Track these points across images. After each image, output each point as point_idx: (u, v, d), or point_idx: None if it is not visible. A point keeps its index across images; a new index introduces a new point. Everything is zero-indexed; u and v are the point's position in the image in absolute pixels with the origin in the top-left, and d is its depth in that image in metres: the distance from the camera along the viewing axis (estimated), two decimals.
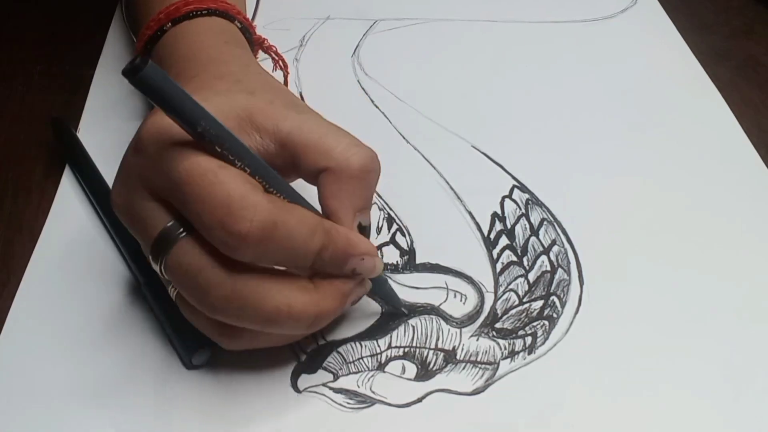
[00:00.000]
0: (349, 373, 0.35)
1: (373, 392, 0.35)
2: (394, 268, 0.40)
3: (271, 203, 0.30)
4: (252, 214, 0.29)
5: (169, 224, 0.31)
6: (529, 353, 0.36)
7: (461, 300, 0.38)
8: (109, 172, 0.44)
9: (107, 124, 0.47)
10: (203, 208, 0.29)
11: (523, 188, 0.44)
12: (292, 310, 0.31)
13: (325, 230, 0.31)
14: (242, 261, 0.30)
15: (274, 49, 0.46)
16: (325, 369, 0.35)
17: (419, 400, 0.35)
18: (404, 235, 0.41)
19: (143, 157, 0.32)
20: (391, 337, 0.37)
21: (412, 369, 0.36)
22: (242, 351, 0.35)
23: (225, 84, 0.34)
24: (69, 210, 0.42)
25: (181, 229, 0.31)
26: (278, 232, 0.30)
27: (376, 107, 0.49)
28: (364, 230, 0.34)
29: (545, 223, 0.42)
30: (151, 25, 0.41)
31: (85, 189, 0.43)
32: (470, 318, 0.38)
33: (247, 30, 0.42)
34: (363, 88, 0.50)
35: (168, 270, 0.31)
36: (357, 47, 0.54)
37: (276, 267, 0.32)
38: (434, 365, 0.36)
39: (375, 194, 0.42)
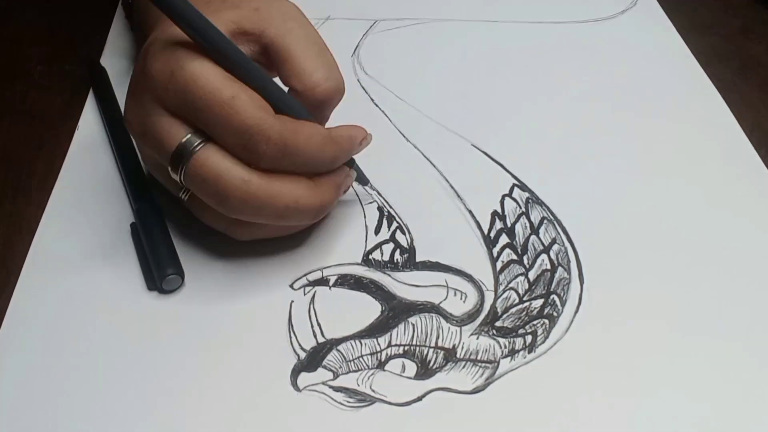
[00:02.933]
0: (349, 372, 0.35)
1: (373, 391, 0.35)
2: (395, 266, 0.40)
3: (282, 125, 0.34)
4: (267, 137, 0.34)
5: (186, 137, 0.35)
6: (530, 352, 0.36)
7: (461, 298, 0.38)
8: (109, 173, 0.44)
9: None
10: (224, 132, 0.34)
11: (523, 187, 0.44)
12: (299, 205, 0.36)
13: (333, 140, 0.37)
14: (267, 169, 0.35)
15: None
16: (325, 367, 0.35)
17: (419, 398, 0.35)
18: (404, 233, 0.41)
19: (154, 78, 0.35)
20: (391, 335, 0.37)
21: (412, 367, 0.36)
22: (241, 349, 0.36)
23: (214, 5, 0.36)
24: (66, 208, 0.42)
25: (199, 141, 0.35)
26: (289, 149, 0.34)
27: (377, 106, 0.49)
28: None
29: (545, 221, 0.42)
30: None
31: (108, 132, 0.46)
32: (470, 316, 0.38)
33: None
34: (363, 88, 0.50)
35: (188, 178, 0.35)
36: (357, 47, 0.54)
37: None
38: (434, 364, 0.36)
39: (375, 192, 0.43)
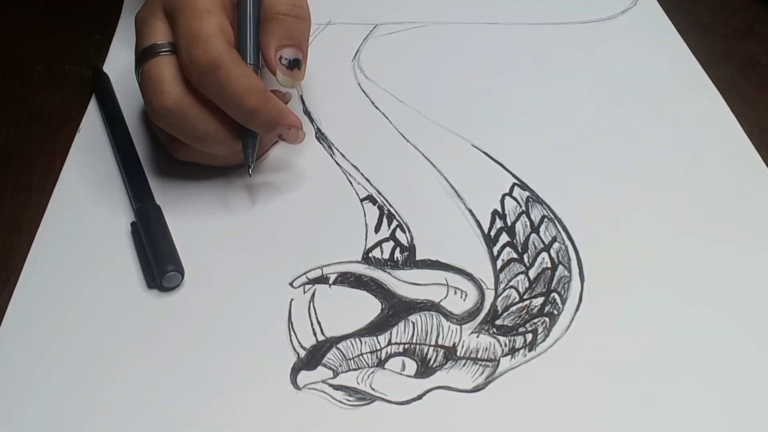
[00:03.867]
0: (349, 370, 0.35)
1: (373, 389, 0.35)
2: (395, 265, 0.40)
3: (228, 52, 0.38)
4: (206, 47, 0.38)
5: (159, 41, 0.39)
6: (530, 350, 0.36)
7: (461, 297, 0.38)
8: (110, 174, 0.44)
9: None
10: (181, 34, 0.38)
11: (524, 186, 0.44)
12: (218, 135, 0.39)
13: (264, 96, 0.39)
14: (194, 84, 0.38)
15: None
16: (325, 366, 0.35)
17: (419, 397, 0.34)
18: (404, 232, 0.41)
19: None
20: (391, 333, 0.37)
21: (412, 366, 0.36)
22: (241, 348, 0.36)
23: None
24: (66, 207, 0.42)
25: (167, 49, 0.39)
26: (221, 71, 0.37)
27: (377, 108, 0.49)
28: (295, 63, 0.41)
29: (546, 220, 0.42)
30: None
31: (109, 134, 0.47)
32: (470, 315, 0.38)
33: None
34: (364, 91, 0.50)
35: (140, 74, 0.40)
36: (357, 51, 0.54)
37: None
38: (434, 362, 0.36)
39: (375, 191, 0.43)
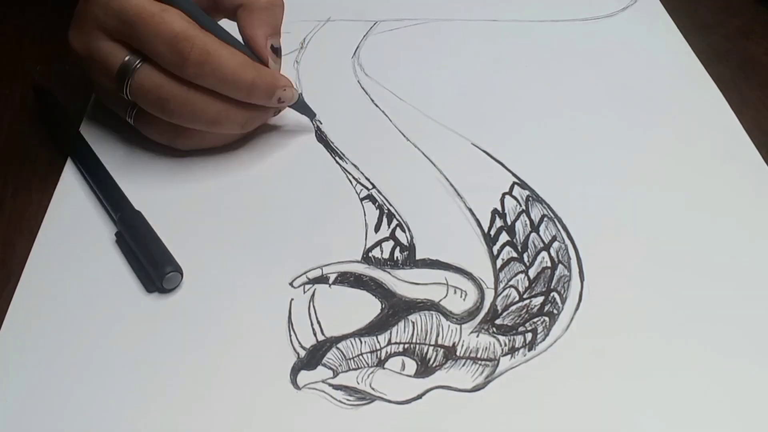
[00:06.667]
0: (349, 370, 0.35)
1: (373, 389, 0.35)
2: (394, 264, 0.40)
3: (208, 36, 0.40)
4: (192, 41, 0.39)
5: (127, 57, 0.41)
6: (530, 350, 0.36)
7: (461, 296, 0.38)
8: (112, 168, 0.44)
9: (109, 122, 0.47)
10: (155, 40, 0.39)
11: (524, 185, 0.44)
12: (230, 113, 0.42)
13: (255, 67, 0.41)
14: (189, 79, 0.40)
15: None
16: (325, 365, 0.35)
17: (419, 396, 0.34)
18: (404, 231, 0.41)
19: (96, 5, 0.40)
20: (390, 333, 0.37)
21: (411, 365, 0.36)
22: (241, 348, 0.36)
23: None
24: (68, 208, 0.42)
25: (139, 59, 0.40)
26: (212, 57, 0.40)
27: (377, 106, 0.49)
28: (277, 51, 0.43)
29: (546, 219, 0.42)
30: None
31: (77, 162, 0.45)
32: (470, 314, 0.38)
33: None
34: (363, 89, 0.51)
35: (133, 91, 0.41)
36: (357, 48, 0.54)
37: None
38: (434, 362, 0.36)
39: (375, 191, 0.43)
